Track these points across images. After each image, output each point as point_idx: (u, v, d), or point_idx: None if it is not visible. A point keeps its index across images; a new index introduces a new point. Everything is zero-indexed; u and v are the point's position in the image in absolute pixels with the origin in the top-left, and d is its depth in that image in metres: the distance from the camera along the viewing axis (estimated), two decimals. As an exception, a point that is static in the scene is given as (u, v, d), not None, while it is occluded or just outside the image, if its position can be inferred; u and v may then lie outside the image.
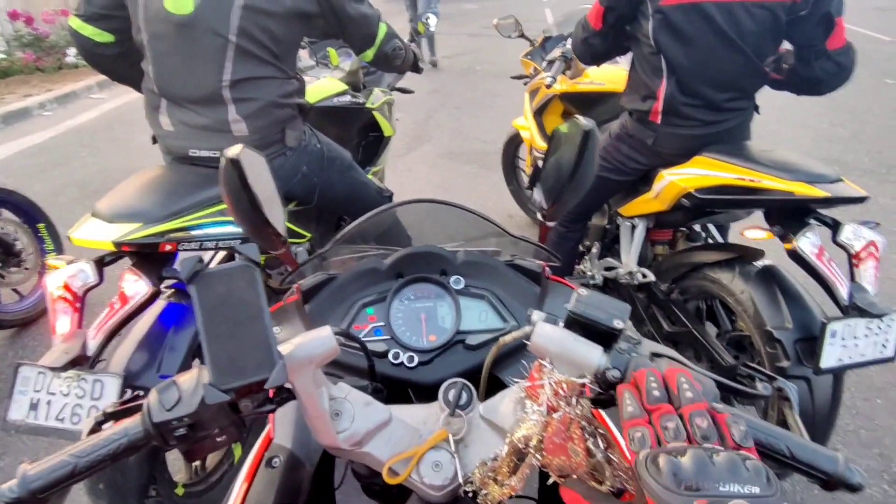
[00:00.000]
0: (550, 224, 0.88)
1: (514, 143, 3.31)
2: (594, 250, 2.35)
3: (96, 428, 0.65)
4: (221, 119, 1.56)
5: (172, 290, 1.53)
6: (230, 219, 1.52)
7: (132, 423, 0.56)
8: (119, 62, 1.70)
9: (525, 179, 3.26)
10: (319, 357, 0.62)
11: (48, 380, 1.23)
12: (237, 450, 1.77)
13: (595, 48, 1.92)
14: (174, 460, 1.67)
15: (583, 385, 0.58)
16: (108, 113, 5.67)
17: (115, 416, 0.63)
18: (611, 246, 2.38)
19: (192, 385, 0.56)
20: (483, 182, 4.16)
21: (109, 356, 1.38)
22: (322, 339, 0.62)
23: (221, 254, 1.89)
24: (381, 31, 1.75)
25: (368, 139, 2.59)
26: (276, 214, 0.79)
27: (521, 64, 2.88)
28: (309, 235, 2.07)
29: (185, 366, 1.44)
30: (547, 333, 0.61)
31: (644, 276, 2.07)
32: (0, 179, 2.51)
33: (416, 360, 0.80)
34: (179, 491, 1.55)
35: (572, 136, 0.77)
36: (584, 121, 0.75)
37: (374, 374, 0.78)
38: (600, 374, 0.59)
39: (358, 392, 0.67)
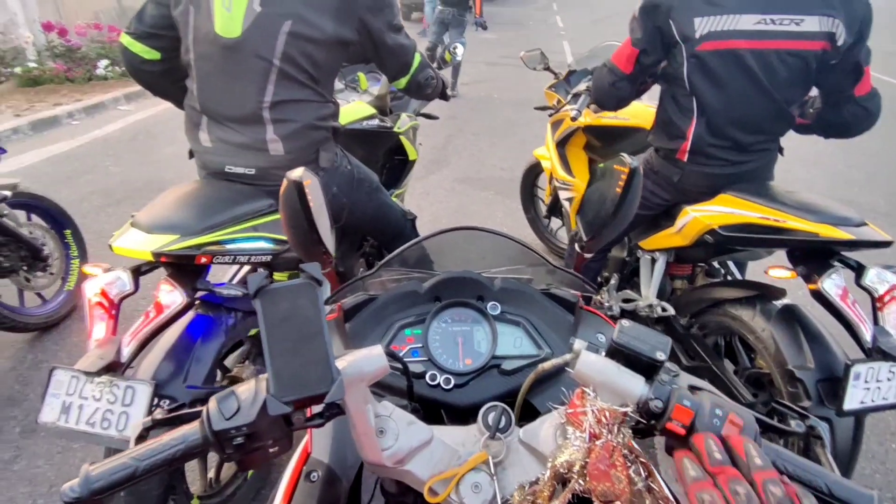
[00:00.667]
0: (588, 255, 0.90)
1: (533, 171, 3.36)
2: (613, 282, 2.36)
3: (143, 434, 0.67)
4: (259, 138, 1.60)
5: (201, 301, 1.56)
6: (262, 234, 1.56)
7: (191, 430, 0.57)
8: (162, 78, 1.76)
9: (543, 208, 3.30)
10: (371, 375, 0.64)
11: (81, 384, 1.25)
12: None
13: (623, 92, 1.93)
14: (189, 472, 1.68)
15: (625, 413, 0.60)
16: (133, 125, 5.81)
17: (162, 423, 0.65)
18: (629, 278, 2.40)
19: (251, 396, 0.57)
20: (499, 208, 4.20)
21: (138, 364, 1.40)
22: (374, 357, 0.64)
23: (246, 268, 1.92)
24: (416, 60, 1.81)
25: (393, 162, 2.64)
26: (327, 234, 0.82)
27: (545, 95, 2.94)
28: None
29: (210, 378, 1.46)
30: (591, 362, 0.63)
31: (664, 309, 2.08)
32: (28, 185, 2.55)
33: (453, 382, 0.82)
34: (195, 503, 1.55)
35: (616, 172, 0.79)
36: (629, 159, 0.78)
37: (413, 395, 0.79)
38: (643, 404, 0.60)
39: (401, 411, 0.69)
